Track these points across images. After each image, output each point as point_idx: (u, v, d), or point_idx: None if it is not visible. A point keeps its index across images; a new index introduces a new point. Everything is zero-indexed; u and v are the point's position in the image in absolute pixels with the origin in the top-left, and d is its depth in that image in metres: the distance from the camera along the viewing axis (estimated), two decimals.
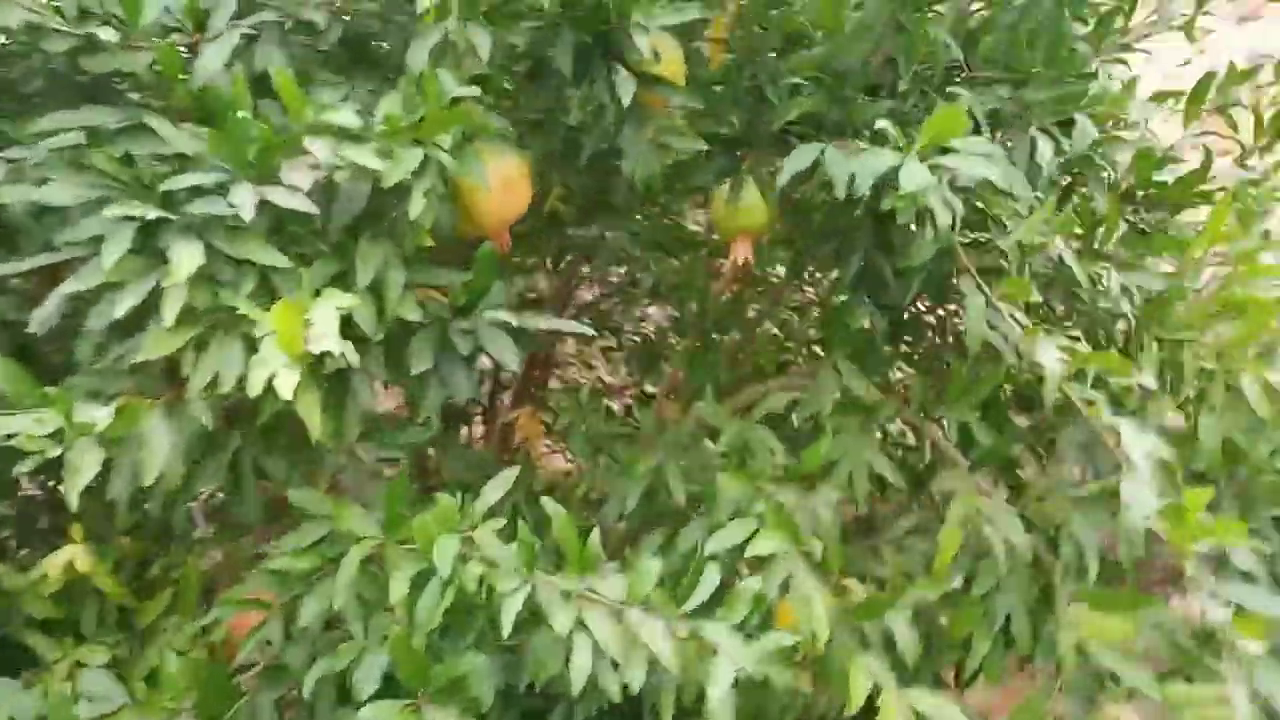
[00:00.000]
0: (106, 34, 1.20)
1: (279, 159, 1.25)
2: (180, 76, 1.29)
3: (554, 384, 3.40)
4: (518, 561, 1.26)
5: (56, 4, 1.19)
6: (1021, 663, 1.73)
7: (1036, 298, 1.41)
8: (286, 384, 1.07)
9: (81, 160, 1.22)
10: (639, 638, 1.21)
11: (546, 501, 1.33)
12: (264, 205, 1.22)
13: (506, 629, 1.20)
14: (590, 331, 1.57)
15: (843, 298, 1.97)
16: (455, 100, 1.37)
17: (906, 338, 2.23)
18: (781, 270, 2.51)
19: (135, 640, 1.72)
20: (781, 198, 1.95)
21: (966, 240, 1.62)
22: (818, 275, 2.39)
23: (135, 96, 1.37)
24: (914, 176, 1.29)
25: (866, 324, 1.93)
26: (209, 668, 1.38)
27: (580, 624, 1.22)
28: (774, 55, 1.87)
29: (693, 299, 2.34)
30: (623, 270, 2.73)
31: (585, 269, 2.78)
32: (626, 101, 1.48)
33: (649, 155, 1.60)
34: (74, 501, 1.08)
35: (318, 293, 1.24)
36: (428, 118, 1.29)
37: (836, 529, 1.69)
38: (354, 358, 1.20)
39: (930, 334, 2.29)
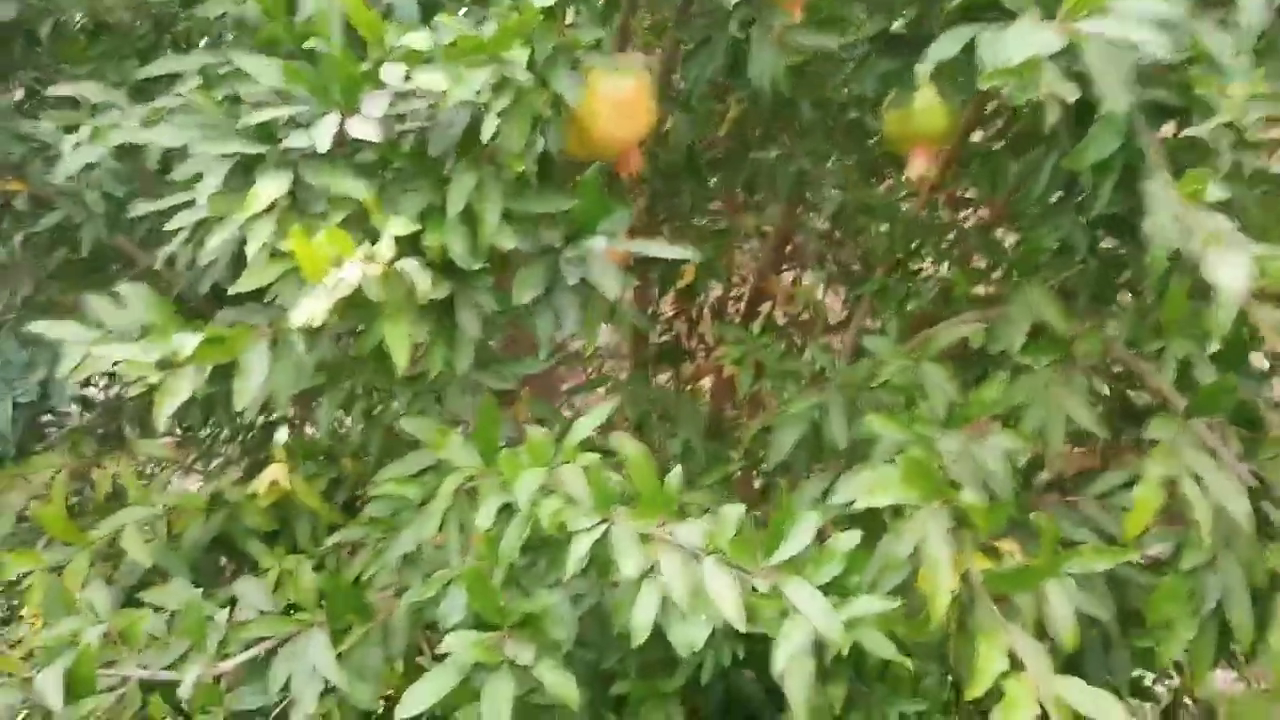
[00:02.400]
0: None
1: (362, 89, 1.25)
2: (282, 13, 1.32)
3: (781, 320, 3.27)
4: (594, 499, 1.20)
5: None
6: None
7: (1221, 194, 1.09)
8: (303, 311, 1.07)
9: (191, 102, 1.28)
10: (706, 589, 1.10)
11: (617, 436, 1.25)
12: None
13: (571, 569, 1.15)
14: (686, 255, 1.45)
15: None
16: (549, 13, 1.30)
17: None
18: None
19: (343, 553, 1.88)
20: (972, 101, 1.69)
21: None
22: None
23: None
24: (1021, 43, 1.03)
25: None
26: (335, 583, 1.44)
27: (651, 571, 1.14)
28: None
29: (880, 221, 2.12)
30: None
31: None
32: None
33: (775, 58, 1.43)
34: (161, 421, 1.16)
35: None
36: (499, 31, 1.22)
37: (1008, 484, 1.46)
38: (424, 285, 1.18)
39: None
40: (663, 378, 2.94)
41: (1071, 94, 1.05)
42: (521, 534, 1.22)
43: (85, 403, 2.19)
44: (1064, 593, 1.25)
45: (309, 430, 2.19)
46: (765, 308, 2.94)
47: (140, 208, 1.34)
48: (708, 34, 1.66)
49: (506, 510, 1.26)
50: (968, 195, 2.16)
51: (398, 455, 1.95)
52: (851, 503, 1.35)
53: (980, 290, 2.13)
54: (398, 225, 1.17)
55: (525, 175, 1.38)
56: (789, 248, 2.98)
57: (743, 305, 3.00)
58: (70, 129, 1.37)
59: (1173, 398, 1.53)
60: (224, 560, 1.98)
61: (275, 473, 1.84)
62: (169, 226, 1.26)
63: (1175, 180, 1.21)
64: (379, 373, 1.42)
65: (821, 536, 1.19)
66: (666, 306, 3.00)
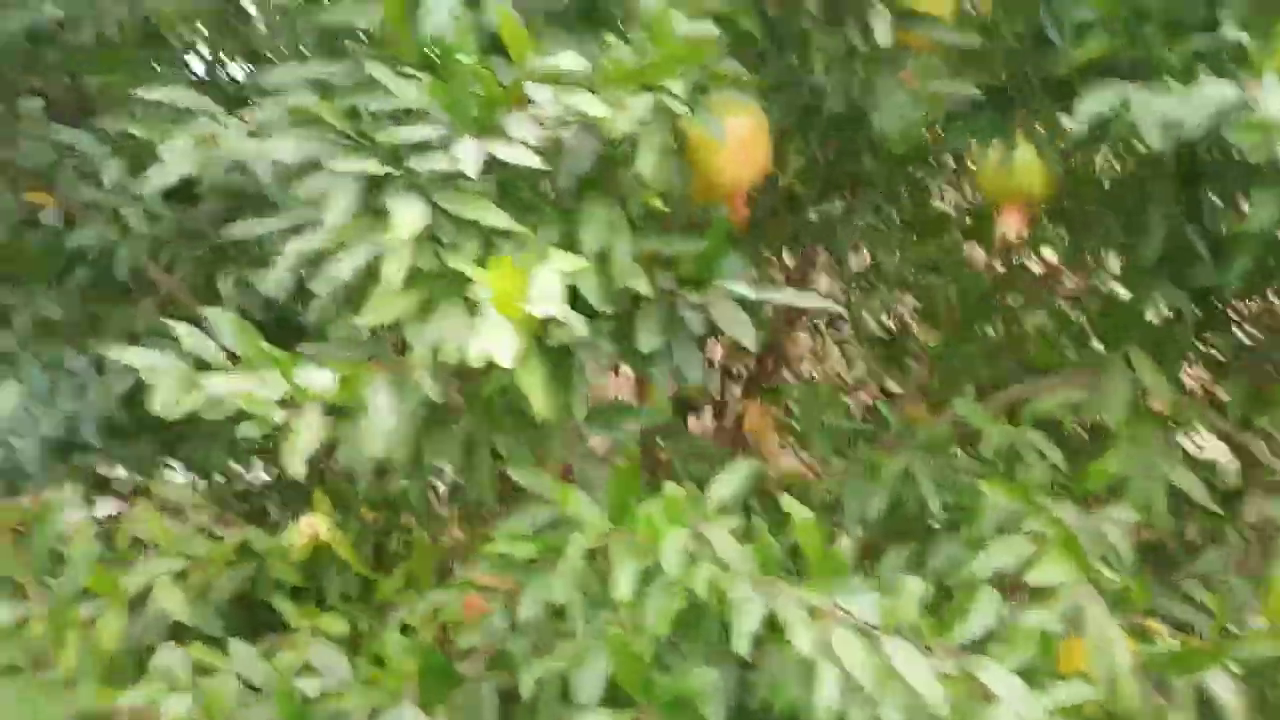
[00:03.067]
0: None
1: (503, 110, 1.15)
2: (407, 28, 1.21)
3: (787, 379, 3.21)
4: (754, 566, 1.10)
5: None
6: None
7: None
8: (506, 351, 0.96)
9: (310, 116, 1.16)
10: (896, 670, 1.01)
11: (787, 499, 1.15)
12: (489, 161, 1.13)
13: (743, 645, 1.04)
14: (837, 309, 1.38)
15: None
16: (690, 43, 1.22)
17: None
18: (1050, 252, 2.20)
19: (374, 612, 1.73)
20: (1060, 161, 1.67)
21: None
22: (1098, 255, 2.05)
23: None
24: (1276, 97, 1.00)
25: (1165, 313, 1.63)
26: (430, 652, 1.30)
27: (826, 647, 1.03)
28: None
29: (947, 284, 2.08)
30: (865, 254, 2.50)
31: (820, 255, 2.57)
32: (885, 41, 1.27)
33: (907, 105, 1.38)
34: (297, 467, 1.03)
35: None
36: (658, 59, 1.14)
37: (1131, 557, 1.41)
38: (579, 326, 1.07)
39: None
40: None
41: None
42: (671, 603, 1.10)
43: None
44: (1230, 679, 1.18)
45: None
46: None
47: (242, 229, 1.21)
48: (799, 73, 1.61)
49: (645, 574, 1.15)
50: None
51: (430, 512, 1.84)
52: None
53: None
54: (563, 261, 1.06)
55: (652, 214, 1.30)
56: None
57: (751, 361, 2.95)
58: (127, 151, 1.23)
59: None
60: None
61: (314, 523, 1.69)
62: (287, 250, 1.13)
63: None
64: (489, 418, 1.30)
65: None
66: None
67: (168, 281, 1.80)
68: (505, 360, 0.95)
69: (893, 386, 2.68)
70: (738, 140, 1.39)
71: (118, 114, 1.61)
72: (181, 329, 1.18)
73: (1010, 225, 1.65)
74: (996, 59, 1.65)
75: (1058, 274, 2.10)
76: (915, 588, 1.09)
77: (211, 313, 1.20)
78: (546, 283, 1.04)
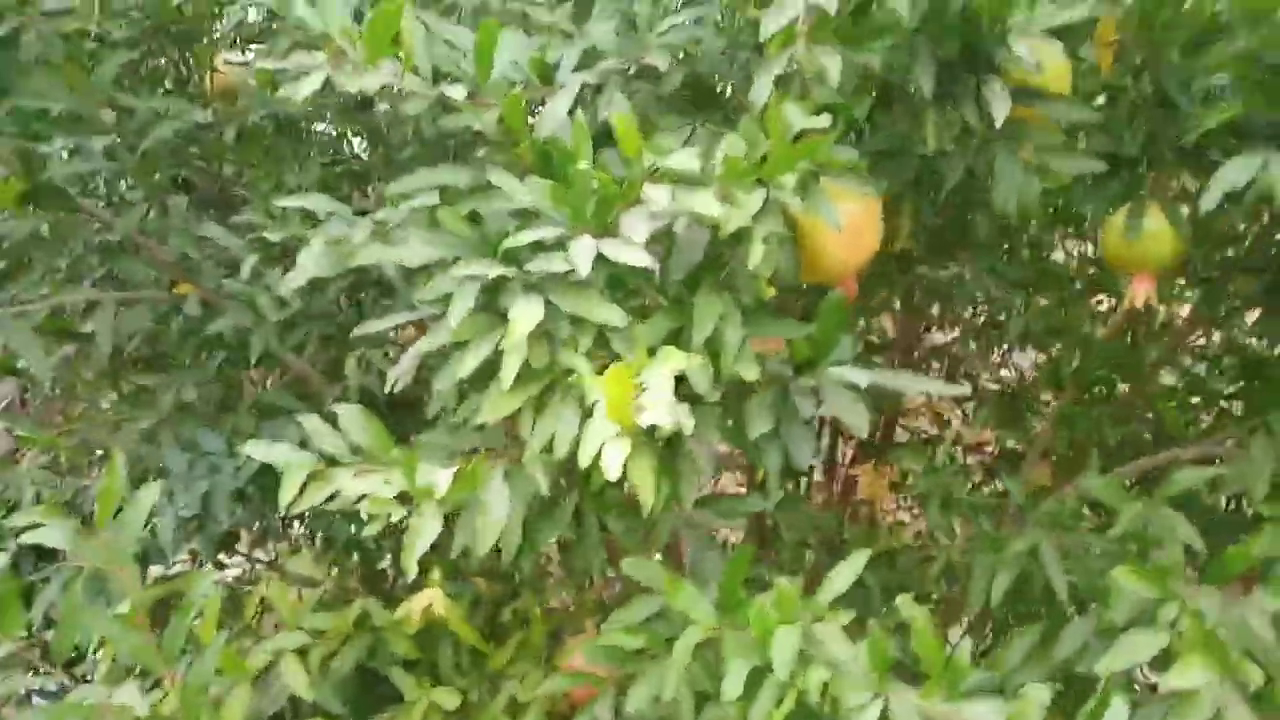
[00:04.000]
0: (455, 91, 1.19)
1: (618, 210, 1.18)
2: (526, 130, 1.26)
3: (901, 435, 3.14)
4: (868, 669, 1.07)
5: (414, 65, 1.20)
6: None
7: None
8: (614, 460, 0.97)
9: (435, 219, 1.22)
10: None
11: (905, 602, 1.12)
12: (602, 258, 1.15)
13: None
14: (964, 390, 1.34)
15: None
16: (802, 134, 1.23)
17: None
18: (1182, 309, 2.10)
19: (487, 683, 1.76)
20: (1193, 225, 1.60)
21: None
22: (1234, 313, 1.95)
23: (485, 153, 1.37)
24: None
25: None
26: None
27: None
28: (1181, 55, 1.54)
29: (1071, 343, 2.00)
30: (980, 311, 2.44)
31: (935, 310, 2.52)
32: (1000, 119, 1.25)
33: (1026, 180, 1.35)
34: (412, 568, 1.06)
35: (653, 351, 1.14)
36: (771, 155, 1.15)
37: (1278, 651, 1.31)
38: (689, 425, 1.08)
39: None
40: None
41: None
42: (780, 705, 1.08)
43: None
44: None
45: None
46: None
47: (368, 326, 1.27)
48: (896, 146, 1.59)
49: (755, 673, 1.13)
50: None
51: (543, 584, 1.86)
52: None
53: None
54: (675, 359, 1.08)
55: (761, 301, 1.30)
56: (914, 358, 2.89)
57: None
58: (268, 246, 1.31)
59: None
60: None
61: (430, 597, 1.73)
62: (415, 349, 1.18)
63: None
64: (599, 506, 1.32)
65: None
66: None
67: (296, 362, 1.89)
68: (613, 472, 0.97)
69: (1014, 445, 2.60)
70: (850, 225, 1.39)
71: (257, 207, 1.72)
72: (310, 423, 1.24)
73: (1140, 293, 1.59)
74: (1123, 125, 1.60)
75: (1190, 330, 2.00)
76: (1041, 696, 1.04)
77: (341, 408, 1.26)
78: (658, 385, 1.05)
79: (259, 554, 2.64)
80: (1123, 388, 2.07)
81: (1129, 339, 2.07)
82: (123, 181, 1.73)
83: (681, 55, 1.59)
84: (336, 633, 1.72)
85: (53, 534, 1.11)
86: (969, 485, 1.96)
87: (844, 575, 1.21)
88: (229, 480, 1.72)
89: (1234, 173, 1.23)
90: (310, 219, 1.46)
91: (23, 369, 1.92)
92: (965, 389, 1.43)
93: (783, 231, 1.25)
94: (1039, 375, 2.29)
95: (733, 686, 1.12)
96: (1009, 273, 2.03)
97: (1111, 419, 1.89)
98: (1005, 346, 2.55)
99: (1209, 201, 1.25)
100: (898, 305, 2.52)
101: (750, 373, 1.25)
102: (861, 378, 1.24)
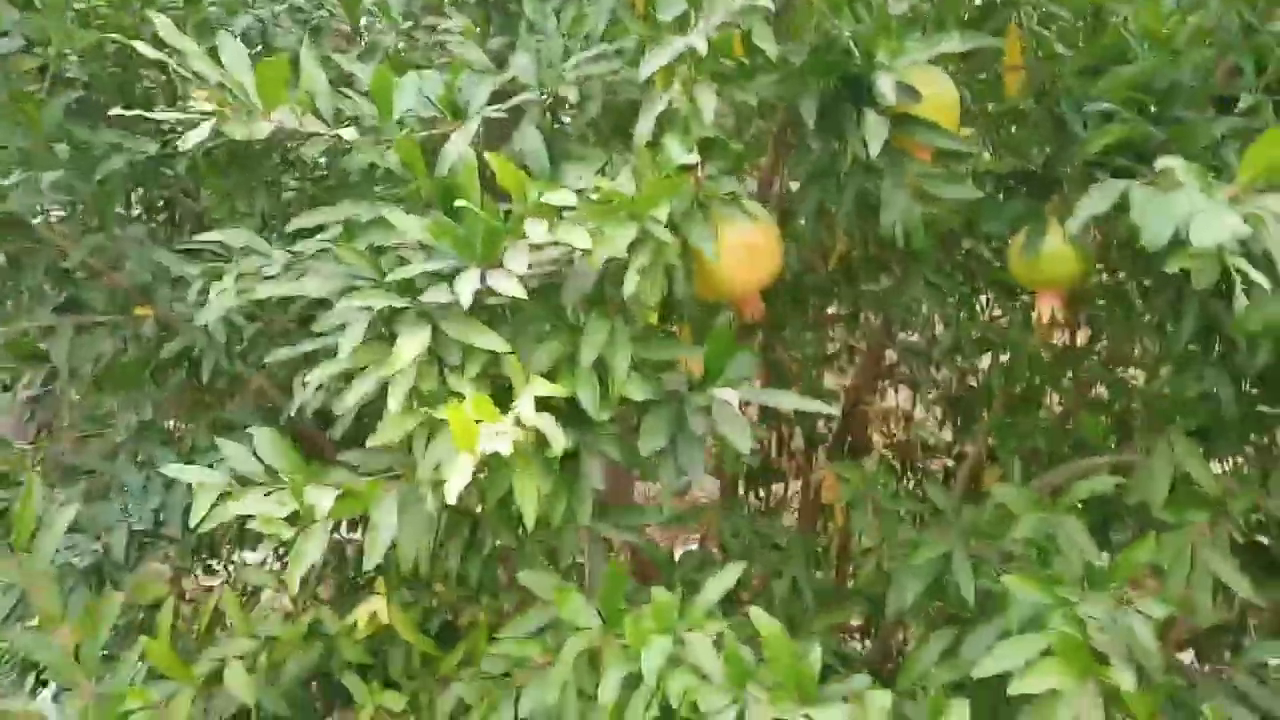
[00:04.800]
0: (349, 134, 1.27)
1: (505, 243, 1.25)
2: (423, 167, 1.34)
3: (878, 439, 3.19)
4: (727, 677, 1.14)
5: (315, 109, 1.28)
6: None
7: None
8: (455, 486, 1.05)
9: (333, 253, 1.30)
10: None
11: (755, 611, 1.19)
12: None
13: None
14: (831, 410, 1.40)
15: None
16: (683, 168, 1.30)
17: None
18: None
19: (437, 686, 1.83)
20: (1103, 241, 1.65)
21: None
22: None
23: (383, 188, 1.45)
24: (1209, 229, 0.99)
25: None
26: None
27: None
28: (1081, 77, 1.59)
29: (997, 354, 2.05)
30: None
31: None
32: (874, 152, 1.31)
33: (908, 206, 1.41)
34: (294, 586, 1.14)
35: (534, 377, 1.22)
36: (644, 191, 1.22)
37: (1158, 657, 1.36)
38: (559, 442, 1.15)
39: None
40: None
41: (1263, 278, 1.00)
42: (648, 711, 1.15)
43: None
44: None
45: None
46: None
47: (277, 354, 1.35)
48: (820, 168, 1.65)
49: (631, 678, 1.20)
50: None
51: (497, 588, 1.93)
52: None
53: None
54: (539, 386, 1.15)
55: (653, 325, 1.37)
56: (882, 366, 2.94)
57: (833, 425, 2.95)
58: (213, 273, 1.40)
59: None
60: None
61: (375, 605, 1.81)
62: (307, 379, 1.26)
63: None
64: (500, 522, 1.39)
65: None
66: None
67: (257, 379, 1.99)
68: (451, 496, 1.04)
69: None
70: (745, 248, 1.45)
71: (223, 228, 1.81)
72: (228, 447, 1.32)
73: (1045, 310, 1.64)
74: (1027, 148, 1.66)
75: (1120, 348, 2.04)
76: (882, 701, 1.10)
77: (255, 430, 1.34)
78: (526, 408, 1.12)
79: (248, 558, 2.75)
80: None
81: (1065, 351, 2.11)
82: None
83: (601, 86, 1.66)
84: (289, 640, 1.80)
85: None
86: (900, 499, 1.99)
87: (716, 587, 1.27)
88: (183, 496, 1.81)
89: (1096, 200, 1.28)
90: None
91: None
92: (833, 408, 1.48)
93: (669, 259, 1.32)
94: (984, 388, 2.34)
95: (608, 692, 1.19)
96: (942, 284, 2.08)
97: (1041, 431, 1.94)
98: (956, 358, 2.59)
99: (1074, 227, 1.30)
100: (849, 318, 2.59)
101: (636, 394, 1.32)
102: (735, 396, 1.31)
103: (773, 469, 3.07)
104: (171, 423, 2.07)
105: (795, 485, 3.17)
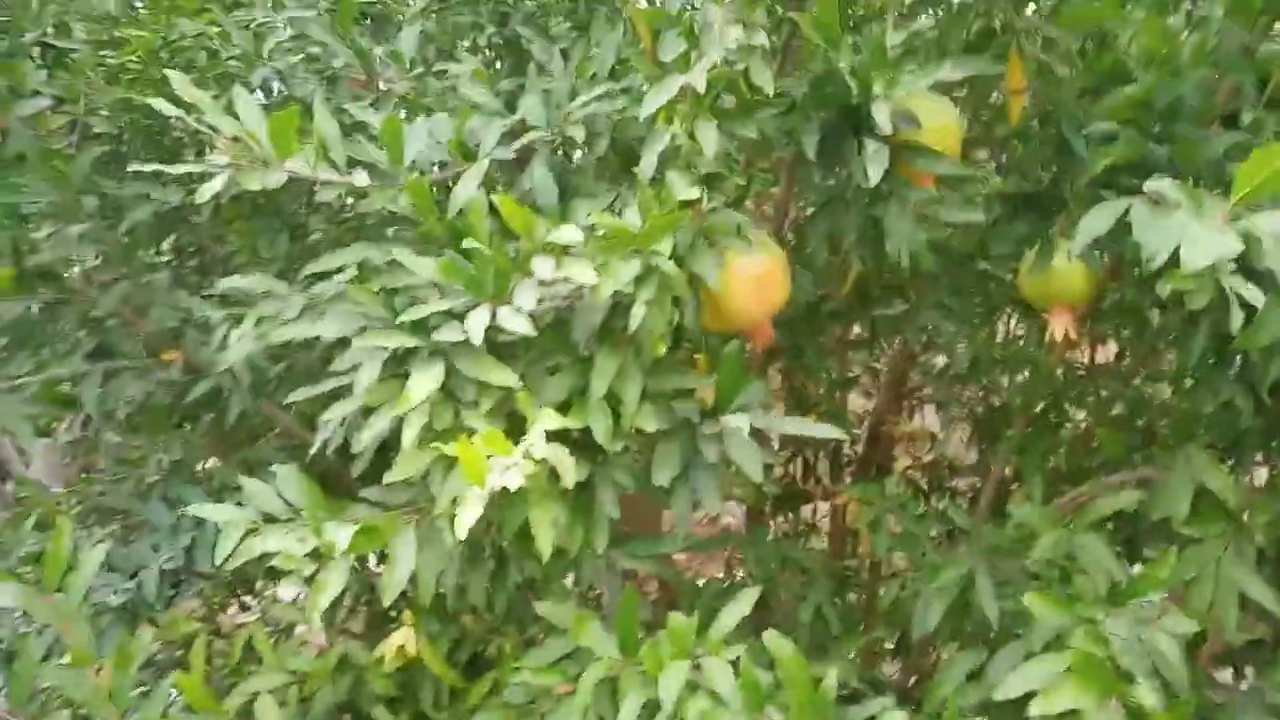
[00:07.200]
0: (360, 179, 1.31)
1: (515, 280, 1.29)
2: (433, 208, 1.37)
3: (904, 460, 3.19)
4: (744, 702, 1.15)
5: (329, 157, 1.32)
6: None
7: None
8: (465, 521, 1.07)
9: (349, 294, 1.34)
10: None
11: (770, 635, 1.20)
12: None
13: None
14: (841, 435, 1.42)
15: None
16: (685, 203, 1.33)
17: None
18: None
19: (465, 716, 1.85)
20: (1116, 258, 1.65)
21: None
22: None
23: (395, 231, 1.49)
24: (1201, 249, 0.99)
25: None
26: None
27: None
28: (1083, 99, 1.60)
29: (1013, 374, 2.05)
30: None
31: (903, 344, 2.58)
32: (873, 181, 1.33)
33: (912, 232, 1.43)
34: (316, 620, 1.17)
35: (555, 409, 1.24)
36: (648, 226, 1.25)
37: (1184, 672, 1.35)
38: (570, 474, 1.18)
39: None
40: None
41: (1256, 298, 1.00)
42: None
43: None
44: None
45: None
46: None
47: (297, 394, 1.39)
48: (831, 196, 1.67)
49: (650, 704, 1.22)
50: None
51: (526, 617, 1.95)
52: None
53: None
54: (549, 419, 1.18)
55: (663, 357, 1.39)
56: (906, 387, 2.94)
57: (859, 447, 2.95)
58: (236, 317, 1.44)
59: None
60: None
61: (402, 637, 1.84)
62: (325, 417, 1.29)
63: None
64: (520, 552, 1.41)
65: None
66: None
67: (284, 418, 2.03)
68: (461, 531, 1.06)
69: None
70: (752, 278, 1.47)
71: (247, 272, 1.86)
72: (251, 485, 1.36)
73: (1058, 328, 1.64)
74: (1033, 170, 1.67)
75: (1140, 366, 2.03)
76: None
77: (278, 468, 1.38)
78: (537, 441, 1.15)
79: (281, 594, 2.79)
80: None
81: (1085, 368, 2.11)
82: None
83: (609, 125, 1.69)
84: (319, 673, 1.83)
85: (3, 594, 1.24)
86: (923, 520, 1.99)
87: (733, 613, 1.28)
88: (213, 534, 1.85)
89: (1098, 220, 1.28)
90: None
91: None
92: (845, 433, 1.49)
93: (676, 291, 1.35)
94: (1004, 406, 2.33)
95: (627, 718, 1.20)
96: (954, 307, 2.09)
97: (1055, 447, 1.93)
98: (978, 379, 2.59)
99: (1076, 248, 1.31)
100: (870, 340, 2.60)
101: (648, 424, 1.34)
102: (747, 423, 1.33)
103: (799, 493, 3.08)
104: (203, 463, 2.13)
105: (824, 508, 3.17)
